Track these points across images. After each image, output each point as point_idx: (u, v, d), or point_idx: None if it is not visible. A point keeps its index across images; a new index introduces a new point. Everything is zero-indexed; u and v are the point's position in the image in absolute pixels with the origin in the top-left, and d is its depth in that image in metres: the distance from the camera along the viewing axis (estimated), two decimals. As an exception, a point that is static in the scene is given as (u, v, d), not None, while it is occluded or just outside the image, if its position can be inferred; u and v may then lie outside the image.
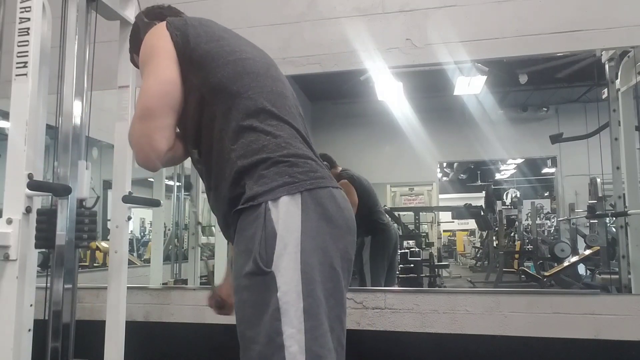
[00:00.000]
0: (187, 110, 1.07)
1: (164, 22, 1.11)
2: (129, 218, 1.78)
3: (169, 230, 3.89)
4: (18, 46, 1.41)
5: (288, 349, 0.88)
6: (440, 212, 9.39)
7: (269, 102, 1.05)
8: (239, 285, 0.97)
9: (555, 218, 7.85)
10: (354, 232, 1.05)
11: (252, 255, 0.92)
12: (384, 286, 3.02)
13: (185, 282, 3.26)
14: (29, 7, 1.41)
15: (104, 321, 1.72)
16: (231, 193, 1.01)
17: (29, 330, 1.43)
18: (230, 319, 2.68)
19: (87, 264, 4.02)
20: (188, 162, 3.37)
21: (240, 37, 1.18)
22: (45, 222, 1.42)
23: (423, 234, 7.18)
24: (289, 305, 0.90)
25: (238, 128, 1.01)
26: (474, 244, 11.25)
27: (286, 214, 0.94)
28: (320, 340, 0.91)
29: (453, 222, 12.11)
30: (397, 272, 3.80)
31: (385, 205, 5.48)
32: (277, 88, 1.10)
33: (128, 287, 1.78)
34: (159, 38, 1.08)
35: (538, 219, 7.06)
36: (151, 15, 1.26)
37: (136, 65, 1.34)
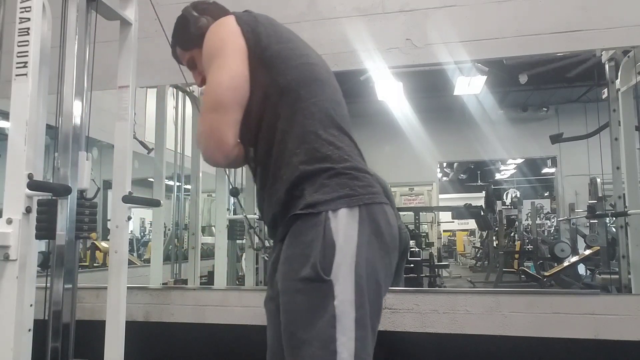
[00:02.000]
0: (249, 107, 1.07)
1: (232, 17, 1.11)
2: (129, 218, 1.78)
3: (169, 230, 3.89)
4: (18, 46, 1.41)
5: (340, 355, 0.93)
6: (440, 212, 9.39)
7: (333, 111, 1.08)
8: (291, 287, 0.99)
9: (555, 218, 7.85)
10: (397, 248, 1.09)
11: (310, 261, 0.96)
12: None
13: (185, 282, 3.26)
14: (29, 7, 1.41)
15: (104, 321, 1.72)
16: (287, 195, 1.03)
17: (29, 330, 1.44)
18: (231, 319, 2.66)
19: (87, 264, 4.03)
20: (187, 162, 3.36)
21: (302, 39, 1.18)
22: (46, 212, 1.43)
23: (423, 234, 7.19)
24: (343, 315, 0.94)
25: (302, 133, 1.03)
26: (474, 244, 11.25)
27: (345, 226, 0.97)
28: (367, 349, 0.97)
29: (453, 222, 12.11)
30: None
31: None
32: (337, 97, 1.13)
33: (128, 287, 1.78)
34: (231, 32, 1.07)
35: (538, 219, 7.05)
36: (199, 10, 1.25)
37: (177, 59, 1.33)
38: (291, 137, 1.03)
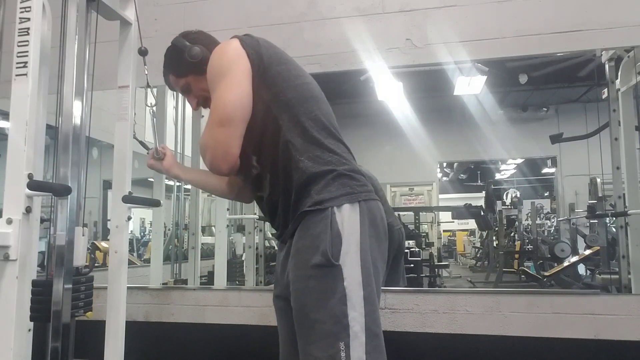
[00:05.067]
0: (251, 121, 1.20)
1: (237, 40, 1.21)
2: (129, 218, 1.78)
3: (169, 230, 3.89)
4: (18, 46, 1.41)
5: (352, 329, 1.06)
6: (440, 212, 9.39)
7: (328, 123, 1.23)
8: (304, 274, 1.12)
9: (555, 218, 7.85)
10: (387, 238, 1.25)
11: (320, 250, 1.09)
12: (385, 287, 3.00)
13: (185, 282, 3.26)
14: (29, 7, 1.41)
15: (104, 321, 1.72)
16: (297, 196, 1.17)
17: (29, 330, 1.43)
18: (231, 319, 2.66)
19: (87, 264, 4.02)
20: (187, 162, 3.37)
21: (295, 60, 1.30)
22: (41, 294, 1.37)
23: (423, 234, 7.18)
24: (353, 293, 1.08)
25: (305, 143, 1.18)
26: (474, 244, 11.25)
27: (349, 219, 1.13)
28: (376, 321, 1.11)
29: (453, 222, 12.11)
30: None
31: (385, 205, 5.46)
32: (329, 110, 1.28)
33: (128, 287, 1.78)
34: (237, 54, 1.19)
35: (538, 219, 7.05)
36: (190, 39, 1.37)
37: (170, 85, 1.44)
38: (295, 147, 1.17)
